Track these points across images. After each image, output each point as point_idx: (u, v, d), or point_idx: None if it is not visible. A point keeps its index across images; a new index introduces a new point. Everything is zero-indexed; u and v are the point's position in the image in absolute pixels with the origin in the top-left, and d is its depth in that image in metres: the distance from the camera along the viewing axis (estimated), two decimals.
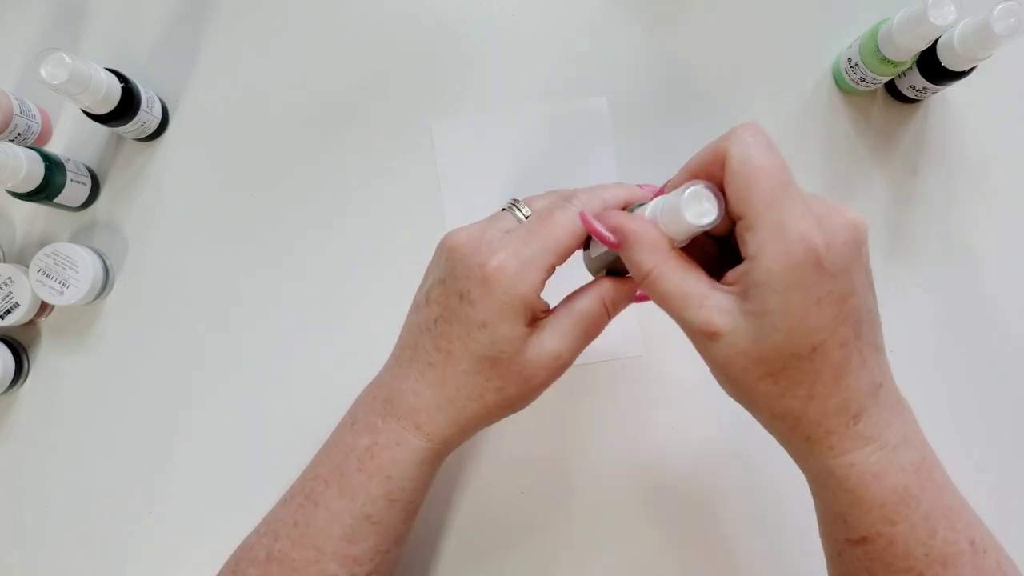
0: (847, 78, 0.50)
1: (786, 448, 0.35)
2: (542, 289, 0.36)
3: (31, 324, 0.52)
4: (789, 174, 0.30)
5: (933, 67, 0.46)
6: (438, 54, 0.53)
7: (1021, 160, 0.52)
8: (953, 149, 0.52)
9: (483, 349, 0.36)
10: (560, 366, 0.38)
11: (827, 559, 0.38)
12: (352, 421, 0.40)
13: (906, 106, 0.52)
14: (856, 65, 0.49)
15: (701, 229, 0.31)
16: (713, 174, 0.32)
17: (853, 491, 0.33)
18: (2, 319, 0.49)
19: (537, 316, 0.37)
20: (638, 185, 0.40)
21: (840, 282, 0.30)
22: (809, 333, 0.30)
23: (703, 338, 0.32)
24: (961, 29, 0.44)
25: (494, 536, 0.49)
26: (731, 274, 0.32)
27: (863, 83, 0.50)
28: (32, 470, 0.51)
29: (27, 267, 0.49)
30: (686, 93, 0.53)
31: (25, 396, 0.52)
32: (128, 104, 0.48)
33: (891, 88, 0.51)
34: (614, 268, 0.38)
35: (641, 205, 0.36)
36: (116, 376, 0.52)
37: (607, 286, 0.38)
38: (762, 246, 0.30)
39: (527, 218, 0.38)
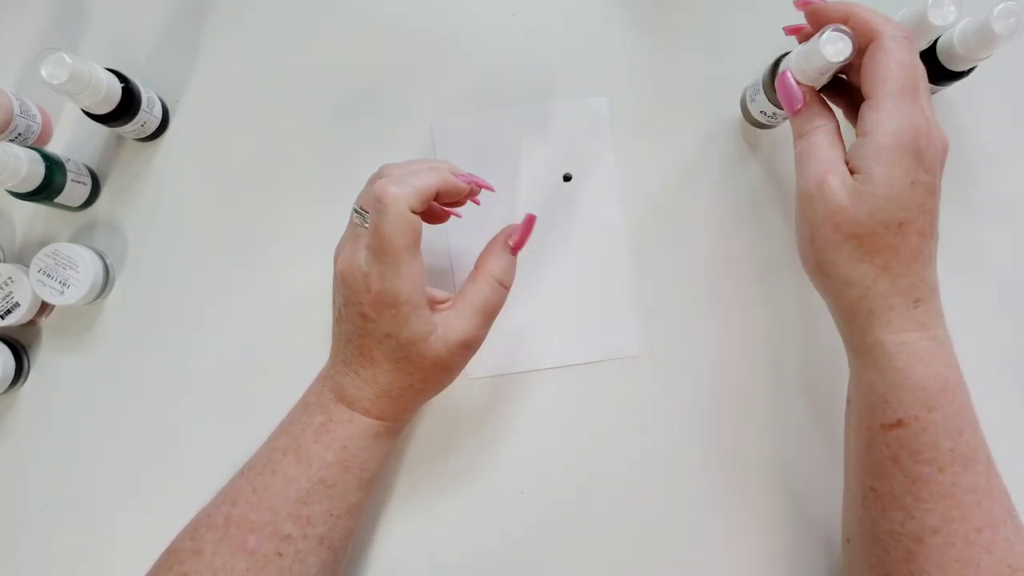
0: None
1: (843, 326, 0.39)
2: (423, 281, 0.40)
3: (31, 324, 0.52)
4: (923, 80, 0.36)
5: (933, 67, 0.46)
6: (439, 54, 0.53)
7: (1021, 160, 0.52)
8: (953, 149, 0.52)
9: (395, 352, 0.41)
10: (472, 348, 0.42)
11: (852, 457, 0.41)
12: (305, 405, 0.44)
13: None
14: None
15: (837, 66, 0.37)
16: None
17: (901, 370, 0.36)
18: (2, 319, 0.49)
19: (435, 303, 0.42)
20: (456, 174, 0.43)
21: (930, 178, 0.36)
22: (900, 208, 0.36)
23: (813, 189, 0.37)
24: (961, 29, 0.44)
25: (493, 536, 0.50)
26: (847, 154, 0.37)
27: None
28: (32, 470, 0.51)
29: (27, 267, 0.49)
30: (686, 93, 0.53)
31: (25, 396, 0.52)
32: (128, 104, 0.48)
33: None
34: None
35: (785, 55, 0.42)
36: (116, 376, 0.52)
37: (491, 266, 0.43)
38: (879, 124, 0.36)
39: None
